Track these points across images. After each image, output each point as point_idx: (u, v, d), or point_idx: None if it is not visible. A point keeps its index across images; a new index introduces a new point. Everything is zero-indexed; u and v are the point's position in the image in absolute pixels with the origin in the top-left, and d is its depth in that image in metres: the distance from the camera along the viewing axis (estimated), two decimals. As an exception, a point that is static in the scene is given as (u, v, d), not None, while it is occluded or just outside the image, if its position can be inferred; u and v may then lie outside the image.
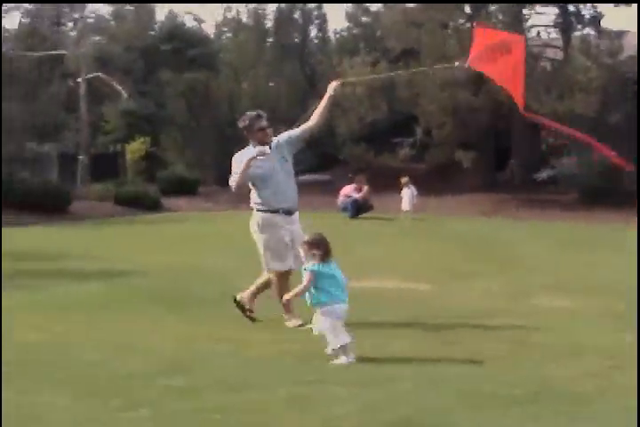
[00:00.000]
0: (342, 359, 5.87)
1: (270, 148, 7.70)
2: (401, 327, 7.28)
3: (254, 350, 6.30)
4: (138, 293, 8.82)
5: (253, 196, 7.81)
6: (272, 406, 4.66)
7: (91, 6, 35.54)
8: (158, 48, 34.55)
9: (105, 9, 38.04)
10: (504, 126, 26.46)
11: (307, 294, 6.10)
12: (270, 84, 30.88)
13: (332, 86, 7.82)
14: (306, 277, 6.08)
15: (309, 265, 6.12)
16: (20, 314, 8.08)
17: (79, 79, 32.31)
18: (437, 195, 24.12)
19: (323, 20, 34.10)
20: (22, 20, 37.10)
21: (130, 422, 4.36)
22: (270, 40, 33.27)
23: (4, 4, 36.80)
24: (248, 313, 7.72)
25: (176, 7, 39.08)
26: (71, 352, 6.24)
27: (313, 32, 34.59)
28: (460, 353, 6.23)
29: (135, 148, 28.47)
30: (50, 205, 21.46)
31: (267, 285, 7.87)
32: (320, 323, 5.99)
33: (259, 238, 7.75)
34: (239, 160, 7.72)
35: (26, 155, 26.82)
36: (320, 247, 6.16)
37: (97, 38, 34.44)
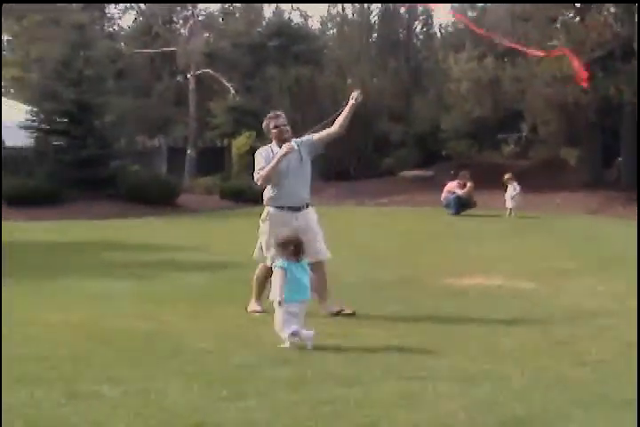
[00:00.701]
0: (286, 343, 6.20)
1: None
2: (508, 325, 7.17)
3: (360, 345, 6.31)
4: (242, 285, 8.93)
5: (266, 190, 8.00)
6: (380, 401, 4.67)
7: (201, 4, 36.23)
8: (265, 44, 34.96)
9: (215, 6, 38.68)
10: (611, 123, 25.76)
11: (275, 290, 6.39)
12: (374, 80, 30.85)
13: (354, 95, 7.97)
14: (279, 275, 6.37)
15: (279, 262, 6.44)
16: (129, 303, 8.34)
17: (189, 75, 33.02)
18: (541, 192, 23.65)
19: (428, 15, 33.88)
20: (137, 19, 38.17)
21: (239, 412, 4.44)
22: (375, 36, 33.24)
23: (120, 4, 37.96)
24: (344, 312, 7.75)
25: (283, 4, 39.39)
26: (181, 341, 6.38)
27: (418, 27, 34.41)
28: (570, 354, 6.10)
29: (241, 142, 28.86)
30: (158, 197, 21.96)
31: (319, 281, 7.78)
32: (282, 321, 6.27)
33: (261, 230, 7.99)
34: (265, 156, 7.93)
35: (137, 148, 27.53)
36: (290, 247, 6.46)
37: (206, 35, 35.06)
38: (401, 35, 33.59)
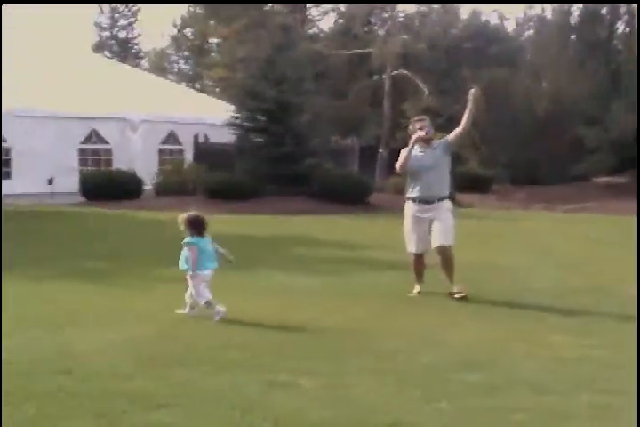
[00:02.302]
0: (216, 311, 7.02)
1: (432, 145, 8.79)
2: None
3: (551, 353, 6.21)
4: (431, 285, 8.99)
5: (406, 186, 8.94)
6: (573, 412, 4.59)
7: (400, 6, 36.47)
8: (460, 46, 34.74)
9: (411, 8, 38.88)
10: None
11: (182, 260, 7.22)
12: (572, 84, 29.97)
13: (472, 92, 8.60)
14: (191, 250, 7.19)
15: (187, 239, 7.25)
16: (320, 297, 8.59)
17: (384, 76, 33.33)
18: None
19: (631, 15, 32.49)
20: (337, 21, 38.91)
21: (430, 414, 4.46)
22: (574, 37, 32.29)
23: (321, 6, 38.81)
24: (458, 295, 8.55)
25: (481, 6, 39.06)
26: (371, 338, 6.51)
27: (620, 28, 33.10)
28: None
29: (432, 143, 28.78)
30: (350, 195, 22.34)
31: (445, 264, 8.85)
32: (197, 290, 7.13)
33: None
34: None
35: (330, 147, 28.07)
36: (194, 224, 7.29)
37: (403, 37, 35.26)
38: (601, 35, 32.44)
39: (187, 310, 7.27)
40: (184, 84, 51.19)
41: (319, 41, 38.68)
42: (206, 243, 7.33)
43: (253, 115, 23.50)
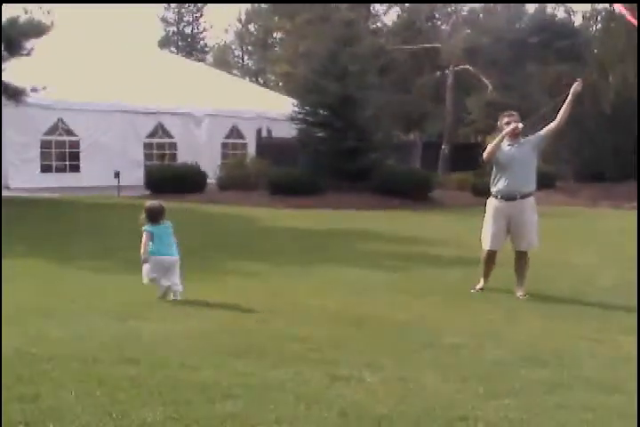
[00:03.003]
0: (170, 296, 7.68)
1: (519, 140, 8.68)
2: None
3: (616, 352, 6.14)
4: (494, 281, 8.95)
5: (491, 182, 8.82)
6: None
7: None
8: (525, 40, 34.31)
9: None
10: None
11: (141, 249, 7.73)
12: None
13: (574, 86, 8.45)
14: (144, 237, 7.71)
15: (146, 227, 7.76)
16: (383, 292, 8.62)
17: (447, 71, 33.12)
18: None
19: None
20: (401, 16, 38.78)
21: (497, 411, 4.42)
22: (644, 31, 31.59)
23: (385, 4, 38.73)
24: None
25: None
26: (434, 334, 6.51)
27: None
28: None
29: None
30: (412, 191, 22.29)
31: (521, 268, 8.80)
32: (146, 273, 7.70)
33: (485, 218, 8.91)
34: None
35: (393, 142, 28.02)
36: (151, 213, 7.83)
37: (467, 31, 35.00)
38: (674, 29, 31.67)
39: (170, 295, 7.78)
40: (247, 79, 51.57)
41: (382, 35, 38.60)
42: (163, 231, 7.84)
43: (316, 109, 23.57)
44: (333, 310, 7.36)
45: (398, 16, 39.55)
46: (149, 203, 8.11)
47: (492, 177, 8.81)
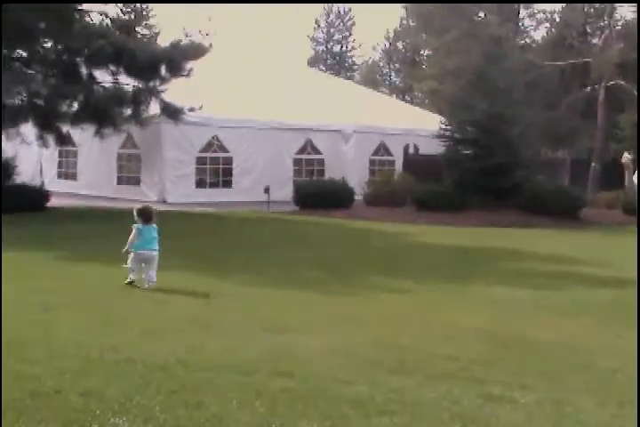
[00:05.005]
0: (144, 286, 9.03)
1: None
2: None
3: None
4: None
5: None
6: None
7: (619, 13, 35.24)
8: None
9: (630, 15, 37.36)
10: None
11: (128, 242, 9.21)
12: None
13: None
14: (132, 233, 9.20)
15: (136, 224, 9.24)
16: (530, 311, 8.54)
17: (598, 86, 32.27)
18: None
19: None
20: (550, 31, 38.11)
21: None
22: None
23: (534, 16, 38.16)
24: None
25: None
26: (586, 356, 6.42)
27: None
28: None
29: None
30: (560, 209, 21.82)
31: None
32: (129, 261, 9.17)
33: None
34: None
35: (540, 159, 27.51)
36: (142, 214, 9.28)
37: (621, 46, 34.00)
38: None
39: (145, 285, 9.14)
40: (394, 96, 51.82)
41: (531, 51, 38.04)
42: (149, 230, 9.26)
43: (463, 126, 23.47)
44: (482, 329, 7.38)
45: (548, 31, 38.89)
46: (142, 205, 9.58)
47: None
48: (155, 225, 9.36)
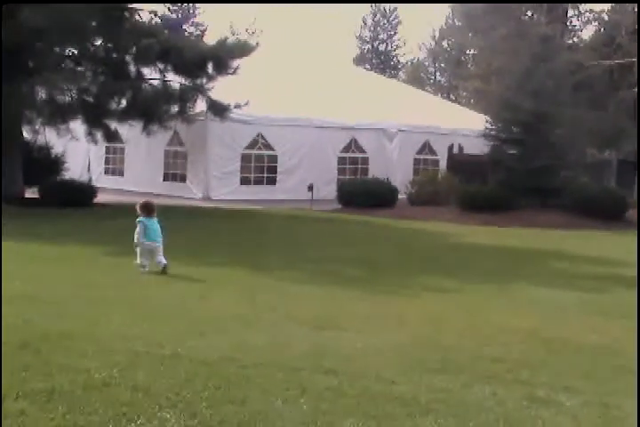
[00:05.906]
0: (142, 270, 9.81)
1: None
2: None
3: None
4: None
5: None
6: None
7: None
8: None
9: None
10: None
11: (135, 235, 9.96)
12: None
13: None
14: (138, 226, 9.96)
15: (140, 218, 10.00)
16: (575, 314, 8.49)
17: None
18: None
19: None
20: (598, 31, 37.64)
21: None
22: None
23: (582, 15, 37.65)
24: None
25: None
26: (630, 359, 6.33)
27: None
28: None
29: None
30: (606, 211, 21.58)
31: None
32: (137, 256, 9.91)
33: None
34: None
35: (586, 160, 27.24)
36: (145, 208, 10.08)
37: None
38: None
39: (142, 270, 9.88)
40: (439, 96, 51.61)
41: (579, 51, 37.61)
42: (153, 223, 10.04)
43: (509, 126, 23.31)
44: (527, 330, 7.34)
45: (596, 31, 38.42)
46: (144, 200, 10.39)
47: None
48: (156, 219, 10.14)
